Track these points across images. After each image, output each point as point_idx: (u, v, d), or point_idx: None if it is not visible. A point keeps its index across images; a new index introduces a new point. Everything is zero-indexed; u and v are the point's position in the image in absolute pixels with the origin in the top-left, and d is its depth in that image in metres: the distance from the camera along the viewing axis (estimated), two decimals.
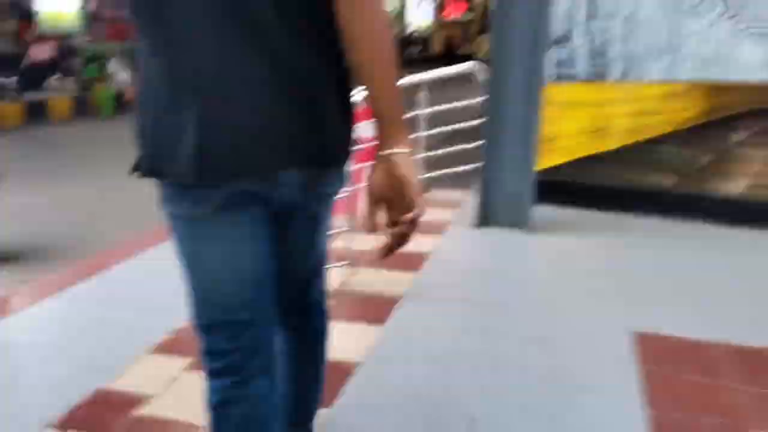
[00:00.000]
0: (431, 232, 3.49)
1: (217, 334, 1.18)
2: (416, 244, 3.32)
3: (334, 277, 2.66)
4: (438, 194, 4.34)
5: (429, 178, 4.33)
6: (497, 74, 3.51)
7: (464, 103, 4.36)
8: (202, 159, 1.05)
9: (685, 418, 1.88)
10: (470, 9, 26.57)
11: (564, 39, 3.85)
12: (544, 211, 3.67)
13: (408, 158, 1.04)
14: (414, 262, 3.00)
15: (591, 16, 3.84)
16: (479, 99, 4.15)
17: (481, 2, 25.95)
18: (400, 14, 29.87)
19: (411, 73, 3.81)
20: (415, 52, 27.98)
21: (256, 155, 1.08)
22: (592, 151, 4.02)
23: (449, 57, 20.94)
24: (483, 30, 23.88)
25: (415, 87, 4.23)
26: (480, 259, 3.24)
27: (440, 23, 27.06)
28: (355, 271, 2.84)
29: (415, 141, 4.25)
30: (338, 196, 1.30)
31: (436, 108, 4.25)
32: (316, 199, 1.23)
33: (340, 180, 1.24)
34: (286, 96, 1.08)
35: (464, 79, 4.56)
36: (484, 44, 23.63)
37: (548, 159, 3.87)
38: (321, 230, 1.33)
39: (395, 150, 1.04)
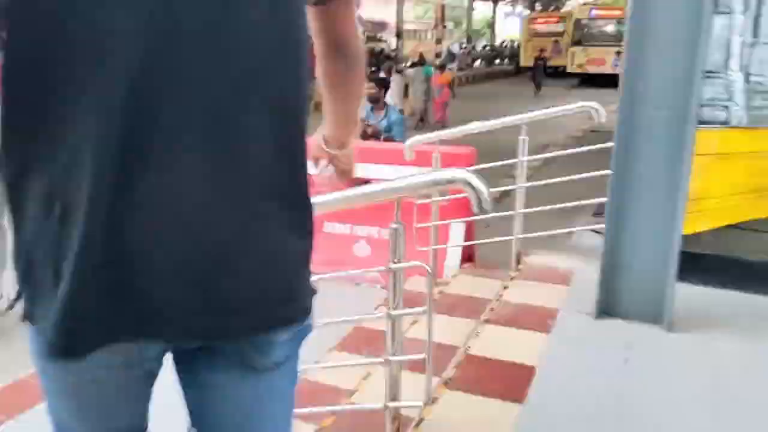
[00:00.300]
0: (535, 326, 2.66)
1: None
2: (518, 349, 2.44)
3: (407, 413, 1.92)
4: (540, 261, 3.50)
5: (527, 239, 3.52)
6: (630, 113, 2.66)
7: (578, 149, 3.56)
8: (69, 328, 0.77)
9: None
10: (561, 20, 25.83)
11: (716, 71, 2.95)
12: (684, 293, 2.76)
13: (352, 153, 1.23)
14: (516, 384, 2.17)
15: (753, 41, 2.93)
16: (598, 145, 3.34)
17: (572, 13, 25.05)
18: (488, 26, 29.14)
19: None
20: (504, 64, 27.06)
21: (166, 322, 0.79)
22: (750, 216, 3.08)
23: (539, 69, 19.96)
24: (575, 41, 22.80)
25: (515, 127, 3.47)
26: (607, 380, 2.28)
27: (530, 35, 26.22)
28: (434, 400, 2.06)
29: (514, 194, 3.47)
30: (299, 346, 0.91)
31: (539, 156, 3.47)
32: (253, 345, 0.86)
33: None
34: (229, 232, 0.79)
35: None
36: (576, 56, 22.51)
37: (689, 224, 2.97)
38: (266, 398, 0.90)
39: (345, 150, 1.20)
